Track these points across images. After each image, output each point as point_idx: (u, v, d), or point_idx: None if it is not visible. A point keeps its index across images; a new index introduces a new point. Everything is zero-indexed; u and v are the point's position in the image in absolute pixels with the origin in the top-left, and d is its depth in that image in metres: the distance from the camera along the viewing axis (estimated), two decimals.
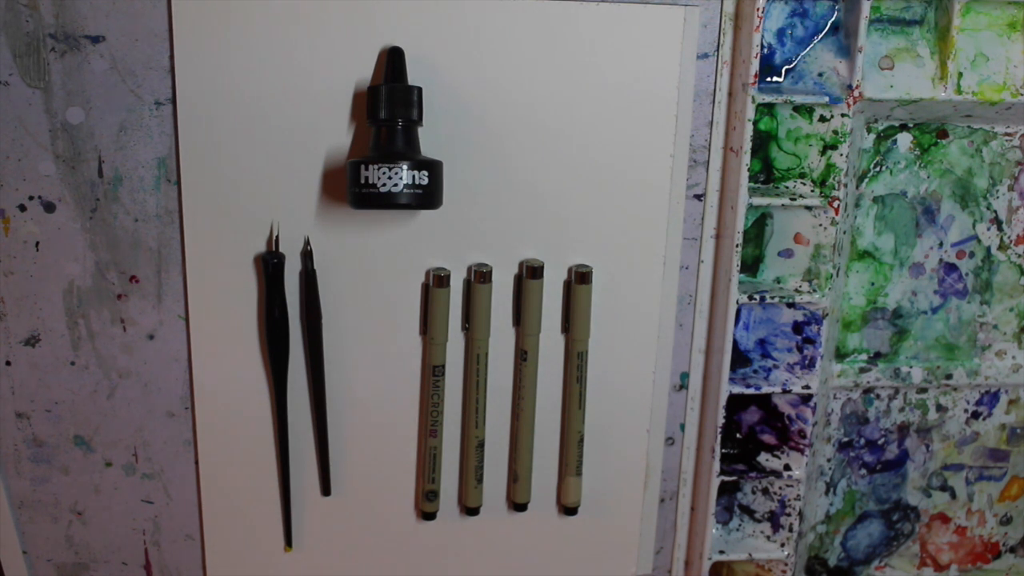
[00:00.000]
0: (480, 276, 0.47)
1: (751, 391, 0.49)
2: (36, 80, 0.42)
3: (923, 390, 0.54)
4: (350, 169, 0.41)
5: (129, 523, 0.49)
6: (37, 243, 0.44)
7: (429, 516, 0.50)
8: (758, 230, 0.50)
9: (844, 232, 0.49)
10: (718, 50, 0.46)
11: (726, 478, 0.50)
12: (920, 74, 0.47)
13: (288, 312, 0.46)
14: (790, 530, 0.52)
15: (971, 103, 0.47)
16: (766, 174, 0.49)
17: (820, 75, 0.46)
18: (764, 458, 0.52)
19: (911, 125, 0.50)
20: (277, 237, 0.45)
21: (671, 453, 0.52)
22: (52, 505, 0.48)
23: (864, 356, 0.53)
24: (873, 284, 0.52)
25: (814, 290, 0.49)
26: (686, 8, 0.45)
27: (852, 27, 0.45)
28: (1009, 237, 0.53)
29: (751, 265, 0.51)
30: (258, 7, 0.43)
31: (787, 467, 0.51)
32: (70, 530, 0.49)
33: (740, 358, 0.51)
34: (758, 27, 0.44)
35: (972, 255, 0.52)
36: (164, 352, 0.47)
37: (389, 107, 0.41)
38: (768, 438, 0.52)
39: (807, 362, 0.50)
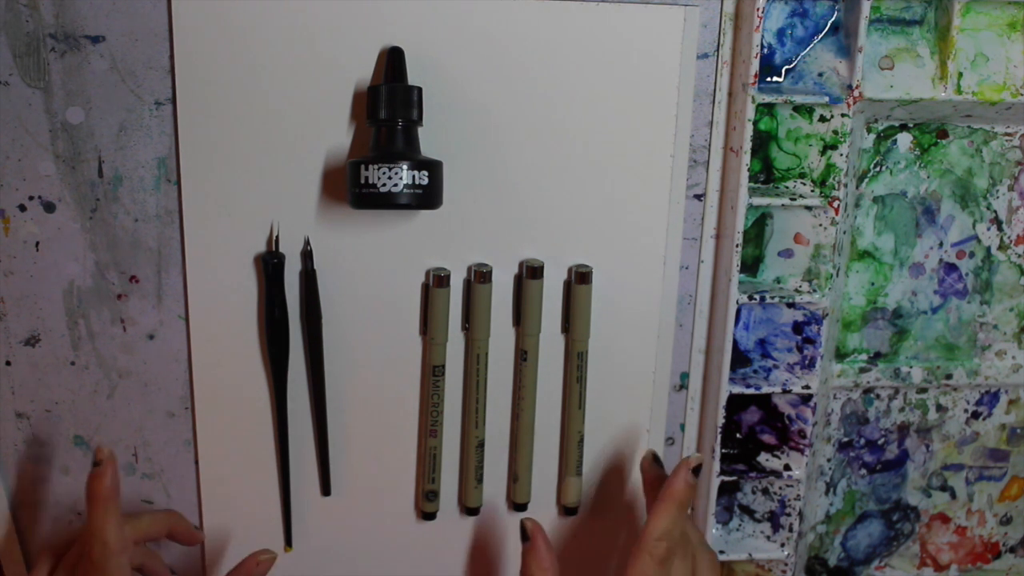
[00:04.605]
0: (480, 276, 0.47)
1: (751, 391, 0.49)
2: (36, 80, 0.42)
3: (923, 390, 0.54)
4: (350, 169, 0.41)
5: None
6: (37, 243, 0.44)
7: (429, 516, 0.50)
8: (758, 230, 0.50)
9: (844, 232, 0.49)
10: (718, 50, 0.46)
11: (726, 478, 0.50)
12: (920, 74, 0.47)
13: (288, 312, 0.46)
14: (790, 530, 0.52)
15: (971, 103, 0.47)
16: (766, 174, 0.49)
17: (820, 75, 0.46)
18: (764, 458, 0.52)
19: (911, 125, 0.50)
20: (277, 237, 0.45)
21: (671, 453, 0.52)
22: (52, 505, 0.48)
23: (864, 356, 0.53)
24: (873, 284, 0.52)
25: (814, 290, 0.49)
26: (686, 8, 0.45)
27: (852, 27, 0.45)
28: (1009, 237, 0.53)
29: (751, 265, 0.51)
30: (258, 7, 0.43)
31: (787, 467, 0.51)
32: (70, 530, 0.49)
33: (740, 358, 0.51)
34: (758, 27, 0.44)
35: (972, 255, 0.52)
36: (164, 352, 0.47)
37: (389, 107, 0.41)
38: (768, 438, 0.52)
39: (807, 362, 0.50)
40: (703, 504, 0.51)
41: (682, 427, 0.52)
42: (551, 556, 0.42)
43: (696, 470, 0.42)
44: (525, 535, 0.43)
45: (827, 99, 0.45)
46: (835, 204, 0.47)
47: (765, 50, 0.46)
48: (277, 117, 0.44)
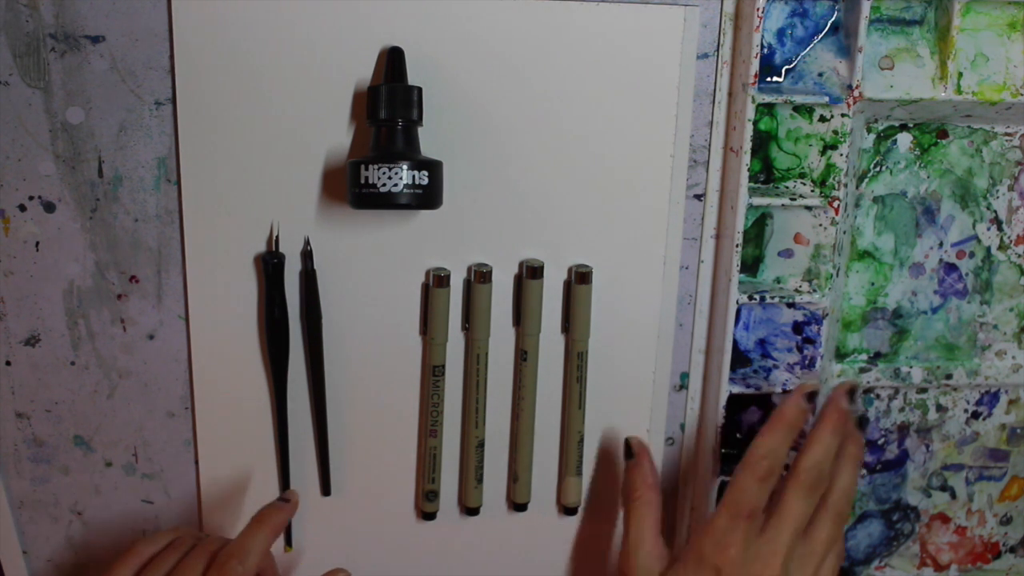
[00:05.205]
0: (480, 276, 0.47)
1: (751, 391, 0.49)
2: (36, 80, 0.42)
3: (923, 390, 0.54)
4: (350, 169, 0.41)
5: (129, 523, 0.49)
6: (37, 243, 0.44)
7: (429, 516, 0.50)
8: (758, 230, 0.50)
9: (844, 232, 0.49)
10: (718, 50, 0.46)
11: (726, 478, 0.50)
12: (920, 74, 0.47)
13: (288, 312, 0.46)
14: None
15: (971, 103, 0.47)
16: (766, 174, 0.49)
17: (820, 75, 0.46)
18: None
19: (911, 125, 0.50)
20: (277, 237, 0.45)
21: (671, 453, 0.52)
22: (52, 505, 0.48)
23: (864, 356, 0.53)
24: (873, 284, 0.52)
25: (814, 290, 0.49)
26: (686, 8, 0.45)
27: (852, 27, 0.45)
28: (1009, 237, 0.53)
29: (751, 265, 0.51)
30: (258, 7, 0.43)
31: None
32: (70, 530, 0.49)
33: (740, 358, 0.51)
34: (758, 27, 0.44)
35: (972, 255, 0.52)
36: (164, 352, 0.47)
37: (389, 107, 0.41)
38: None
39: (807, 362, 0.50)
40: (703, 504, 0.51)
41: (682, 427, 0.52)
42: (655, 473, 0.44)
43: (810, 396, 0.42)
44: (630, 452, 0.45)
45: (827, 99, 0.45)
46: (835, 204, 0.47)
47: (765, 50, 0.46)
48: (277, 117, 0.44)
